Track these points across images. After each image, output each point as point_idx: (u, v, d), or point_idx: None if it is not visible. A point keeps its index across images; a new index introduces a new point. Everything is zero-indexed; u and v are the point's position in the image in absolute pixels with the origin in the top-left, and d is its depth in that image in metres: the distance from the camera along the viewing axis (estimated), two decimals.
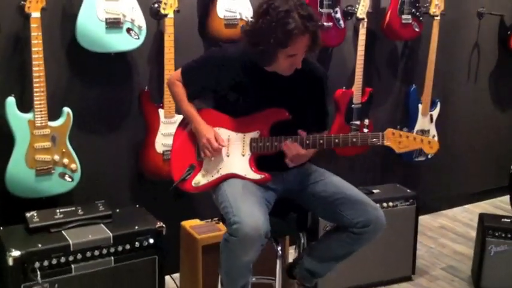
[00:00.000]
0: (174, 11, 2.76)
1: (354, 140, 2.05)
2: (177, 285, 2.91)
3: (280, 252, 2.25)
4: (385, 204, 3.07)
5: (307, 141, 2.10)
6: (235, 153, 2.18)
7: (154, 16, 2.84)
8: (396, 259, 3.20)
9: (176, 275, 2.98)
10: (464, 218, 4.20)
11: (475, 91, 4.24)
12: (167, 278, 2.88)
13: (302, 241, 2.37)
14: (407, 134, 2.03)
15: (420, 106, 3.72)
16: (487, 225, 3.09)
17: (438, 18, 3.57)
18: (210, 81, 2.22)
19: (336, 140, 2.05)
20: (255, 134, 2.17)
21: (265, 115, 2.16)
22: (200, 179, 2.21)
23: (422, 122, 3.75)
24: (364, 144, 2.06)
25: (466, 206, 4.40)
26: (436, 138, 3.80)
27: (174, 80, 2.32)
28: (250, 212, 1.95)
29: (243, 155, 2.18)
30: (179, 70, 2.34)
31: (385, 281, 3.19)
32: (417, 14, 3.48)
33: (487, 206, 4.42)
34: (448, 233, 3.96)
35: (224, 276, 2.15)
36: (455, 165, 4.32)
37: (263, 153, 2.16)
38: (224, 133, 2.20)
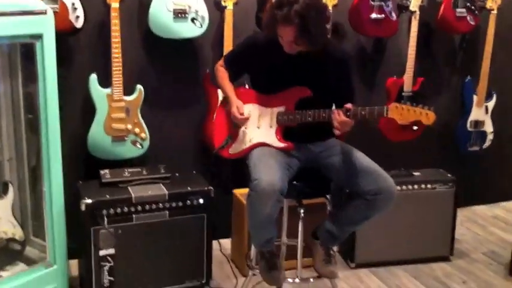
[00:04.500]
0: (233, 3, 3.12)
1: (363, 112, 2.29)
2: (220, 245, 3.36)
3: (302, 214, 2.55)
4: (423, 186, 3.25)
5: (323, 114, 2.38)
6: (264, 125, 2.52)
7: (217, 7, 3.22)
8: (434, 239, 3.35)
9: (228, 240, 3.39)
10: None
11: None
12: (221, 241, 3.28)
13: (328, 206, 2.65)
14: (408, 108, 2.24)
15: (475, 97, 3.82)
16: None
17: (495, 12, 3.64)
18: (245, 64, 2.58)
19: (348, 113, 2.31)
20: (281, 109, 2.49)
21: (290, 92, 2.47)
22: (236, 147, 2.56)
23: (477, 113, 3.83)
24: (372, 117, 2.29)
25: None
26: (491, 130, 3.93)
27: (218, 66, 2.69)
28: (268, 171, 2.28)
29: (271, 127, 2.51)
30: (223, 58, 2.73)
31: (423, 258, 3.35)
32: (472, 7, 3.58)
33: None
34: (500, 222, 4.01)
35: (251, 230, 2.49)
36: None
37: (287, 124, 2.48)
38: (256, 108, 2.54)
